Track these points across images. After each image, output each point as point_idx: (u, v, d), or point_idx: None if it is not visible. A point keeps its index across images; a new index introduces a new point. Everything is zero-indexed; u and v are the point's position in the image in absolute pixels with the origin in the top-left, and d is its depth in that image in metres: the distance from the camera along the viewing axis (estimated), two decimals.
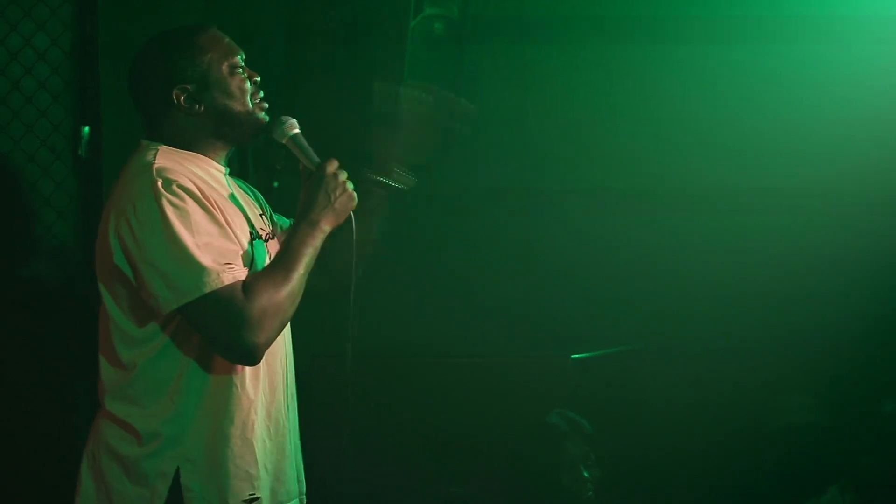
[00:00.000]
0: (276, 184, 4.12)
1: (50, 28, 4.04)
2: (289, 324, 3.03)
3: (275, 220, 3.28)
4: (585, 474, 4.17)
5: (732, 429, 4.75)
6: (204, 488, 2.87)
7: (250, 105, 3.00)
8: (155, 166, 2.83)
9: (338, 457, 3.92)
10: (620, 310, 4.89)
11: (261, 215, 3.14)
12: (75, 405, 4.00)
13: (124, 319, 2.86)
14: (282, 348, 3.06)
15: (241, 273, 2.79)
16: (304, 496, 3.19)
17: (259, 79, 3.04)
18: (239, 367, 2.89)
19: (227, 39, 3.02)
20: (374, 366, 4.41)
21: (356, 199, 3.04)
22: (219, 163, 3.03)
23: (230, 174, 3.10)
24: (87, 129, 4.06)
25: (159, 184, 2.77)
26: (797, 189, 4.82)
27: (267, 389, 2.99)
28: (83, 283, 4.03)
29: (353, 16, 4.43)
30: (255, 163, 4.41)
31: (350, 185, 3.03)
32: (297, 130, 3.08)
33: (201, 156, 2.98)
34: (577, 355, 4.52)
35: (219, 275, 2.73)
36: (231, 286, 2.74)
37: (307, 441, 3.23)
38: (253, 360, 2.81)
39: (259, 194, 3.28)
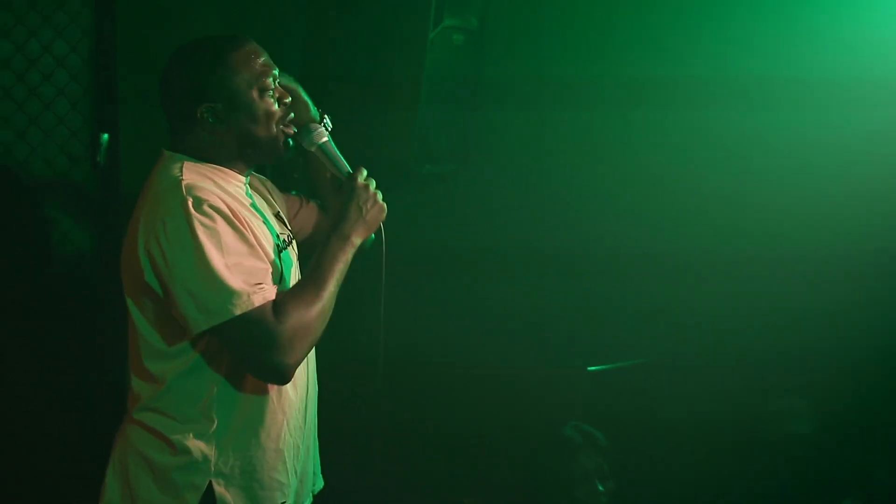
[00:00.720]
0: (294, 192, 4.12)
1: (69, 35, 4.04)
2: None
3: (285, 205, 3.28)
4: (600, 488, 4.16)
5: (747, 442, 4.73)
6: (237, 499, 2.87)
7: (275, 130, 2.96)
8: (184, 183, 2.79)
9: (352, 463, 3.93)
10: (637, 322, 4.87)
11: (276, 215, 3.12)
12: (93, 410, 4.01)
13: (154, 334, 2.85)
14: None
15: (272, 293, 2.78)
16: (316, 488, 3.22)
17: (290, 100, 2.99)
18: None
19: (262, 58, 2.95)
20: (390, 375, 4.39)
21: (386, 209, 3.03)
22: (240, 174, 3.01)
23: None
24: (105, 136, 4.05)
25: (190, 203, 2.74)
26: (805, 201, 4.81)
27: (298, 396, 3.00)
28: (100, 290, 4.05)
29: (372, 27, 4.42)
30: (273, 172, 4.41)
31: (380, 196, 3.02)
32: (325, 139, 3.06)
33: (224, 168, 2.95)
34: (593, 367, 4.52)
35: (249, 296, 2.71)
36: (261, 308, 2.72)
37: (326, 447, 3.23)
38: (284, 379, 2.81)
39: (269, 183, 3.26)
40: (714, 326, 4.86)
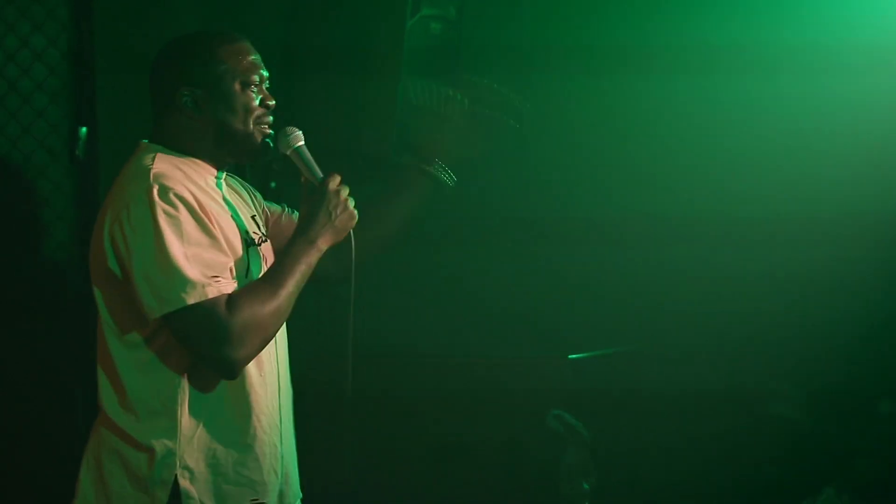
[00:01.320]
0: (273, 184, 4.11)
1: (47, 29, 4.04)
2: (285, 324, 3.02)
3: (266, 209, 3.28)
4: (585, 486, 4.17)
5: (728, 432, 4.74)
6: (203, 495, 2.87)
7: (251, 126, 2.97)
8: (153, 171, 2.81)
9: (336, 459, 3.93)
10: (618, 309, 4.87)
11: (252, 217, 3.12)
12: (73, 407, 4.00)
13: (117, 325, 2.85)
14: (278, 351, 3.06)
15: (228, 287, 2.78)
16: (301, 493, 3.21)
17: (273, 103, 3.01)
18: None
19: (252, 56, 2.99)
20: (370, 367, 4.39)
21: (356, 217, 3.02)
22: (214, 168, 3.01)
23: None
24: (84, 129, 4.05)
25: (155, 190, 2.76)
26: (794, 189, 4.81)
27: (268, 394, 2.99)
28: (80, 284, 4.04)
29: (350, 14, 4.42)
30: (253, 163, 4.41)
31: (352, 203, 3.01)
32: (301, 143, 3.05)
33: (198, 161, 2.96)
34: (574, 356, 4.52)
35: (203, 287, 2.72)
36: (214, 300, 2.73)
37: (305, 444, 3.23)
38: (231, 374, 2.81)
39: (251, 189, 3.27)
40: (698, 313, 4.86)
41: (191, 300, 2.71)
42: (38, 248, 4.06)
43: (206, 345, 2.75)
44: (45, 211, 4.06)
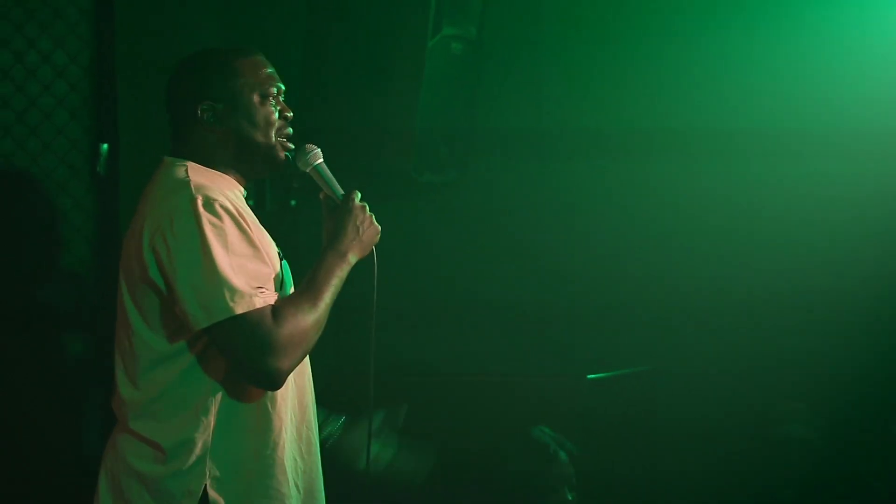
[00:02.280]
0: (293, 202, 4.12)
1: (68, 45, 4.05)
2: None
3: None
4: (569, 497, 4.18)
5: (742, 453, 4.74)
6: None
7: (273, 139, 2.98)
8: (192, 183, 2.81)
9: (350, 473, 3.91)
10: (637, 330, 4.88)
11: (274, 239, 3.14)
12: (91, 420, 4.01)
13: (152, 335, 2.83)
14: (307, 367, 3.07)
15: (272, 297, 2.79)
16: None
17: (291, 115, 3.02)
18: None
19: (268, 69, 3.00)
20: (385, 384, 4.38)
21: (380, 232, 3.05)
22: (239, 184, 3.03)
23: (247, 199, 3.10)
24: (104, 146, 4.06)
25: (199, 201, 2.75)
26: (812, 202, 4.82)
27: (297, 408, 2.99)
28: (99, 299, 4.05)
29: (371, 36, 4.44)
30: (272, 180, 4.42)
31: (375, 218, 3.04)
32: (321, 160, 3.07)
33: (225, 175, 2.97)
34: (593, 375, 4.51)
35: (251, 298, 2.72)
36: (261, 310, 2.73)
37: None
38: (275, 385, 2.80)
39: None
40: (712, 334, 4.87)
41: (238, 310, 2.70)
42: (58, 264, 4.07)
43: (251, 355, 2.74)
44: (65, 227, 4.06)
